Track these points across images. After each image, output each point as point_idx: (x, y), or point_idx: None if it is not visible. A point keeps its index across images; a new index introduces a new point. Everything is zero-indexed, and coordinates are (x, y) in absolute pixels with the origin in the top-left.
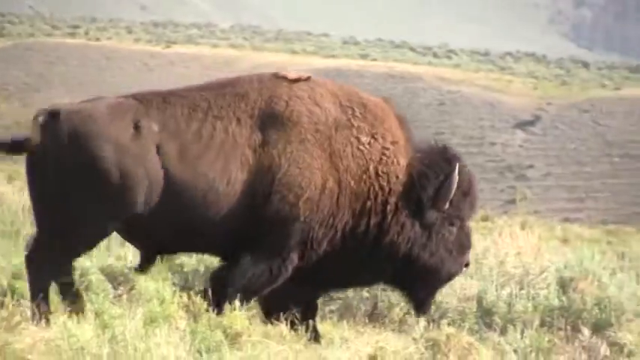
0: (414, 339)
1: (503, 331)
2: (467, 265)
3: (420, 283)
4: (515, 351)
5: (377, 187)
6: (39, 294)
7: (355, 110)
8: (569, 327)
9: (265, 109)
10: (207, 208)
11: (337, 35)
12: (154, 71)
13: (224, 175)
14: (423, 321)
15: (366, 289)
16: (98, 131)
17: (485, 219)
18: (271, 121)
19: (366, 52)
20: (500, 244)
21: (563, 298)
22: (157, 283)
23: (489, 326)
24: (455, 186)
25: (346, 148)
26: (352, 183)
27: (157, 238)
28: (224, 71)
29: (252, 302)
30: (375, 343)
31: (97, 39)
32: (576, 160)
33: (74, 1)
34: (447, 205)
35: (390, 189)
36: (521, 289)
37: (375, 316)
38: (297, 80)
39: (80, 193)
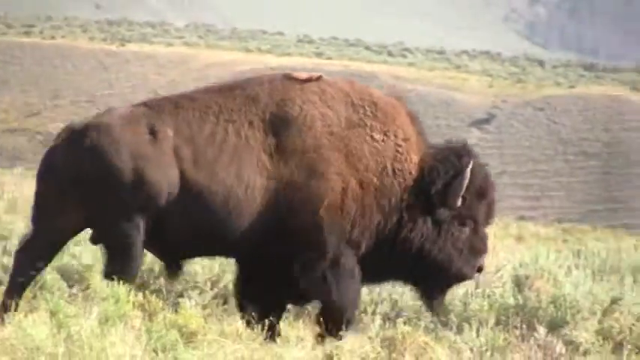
0: (370, 338)
1: (459, 330)
2: (480, 269)
3: (430, 281)
4: (470, 349)
5: (396, 184)
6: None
7: (367, 109)
8: (524, 325)
9: (277, 113)
10: (227, 213)
11: (292, 33)
12: (109, 70)
13: (241, 180)
14: (378, 320)
15: None
16: (117, 141)
17: None
18: (285, 126)
19: (321, 51)
20: None
21: (519, 297)
22: (112, 283)
23: (445, 325)
24: (465, 182)
25: (362, 147)
26: (375, 180)
27: (177, 244)
28: (179, 69)
29: (207, 301)
30: (330, 342)
31: (52, 37)
32: (531, 159)
33: (28, 0)
34: (458, 203)
35: (405, 185)
36: (477, 287)
37: None
38: (307, 81)
39: (103, 202)
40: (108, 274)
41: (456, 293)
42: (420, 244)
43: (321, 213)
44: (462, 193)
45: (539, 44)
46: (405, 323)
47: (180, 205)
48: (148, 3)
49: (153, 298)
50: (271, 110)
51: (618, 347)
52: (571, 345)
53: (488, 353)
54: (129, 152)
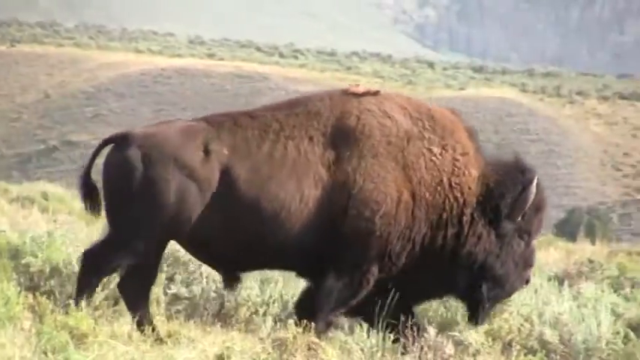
0: (261, 339)
1: (349, 331)
2: (528, 281)
3: (485, 295)
4: (361, 350)
5: (452, 199)
6: (84, 290)
7: (425, 122)
8: (415, 326)
9: (337, 125)
10: (281, 227)
11: (183, 34)
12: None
13: (296, 193)
14: (270, 320)
15: (213, 288)
16: (169, 154)
17: None
18: (344, 137)
19: (213, 52)
20: None
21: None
22: (2, 284)
23: (336, 326)
24: (532, 197)
25: (419, 159)
26: (427, 195)
27: (231, 258)
28: (70, 70)
29: (98, 302)
30: (222, 343)
31: None
32: None
33: None
34: (520, 218)
35: (465, 200)
36: None
37: (222, 316)
38: (365, 94)
39: (146, 212)
40: (86, 260)
41: None
42: (483, 258)
43: (377, 220)
44: (525, 207)
45: (429, 46)
46: (296, 324)
47: (232, 222)
48: (38, 3)
49: (43, 299)
50: (332, 124)
51: (507, 347)
52: (461, 345)
53: (379, 354)
54: (178, 167)
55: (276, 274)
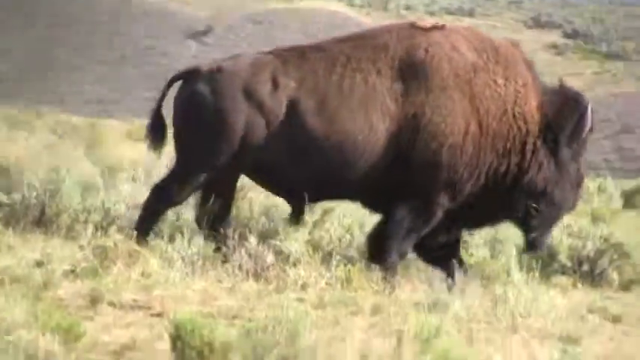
0: (82, 246)
1: (170, 239)
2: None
3: (544, 219)
4: (182, 259)
5: (515, 128)
6: (145, 220)
7: (489, 54)
8: (236, 235)
9: (405, 59)
10: (348, 158)
11: None
12: None
13: (364, 126)
14: (91, 228)
15: (34, 195)
16: (237, 87)
17: None
18: (412, 70)
19: None
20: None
21: (232, 207)
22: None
23: (157, 234)
24: (589, 124)
25: (485, 91)
26: (493, 124)
27: (300, 190)
28: None
29: None
30: (42, 250)
31: None
32: None
33: None
34: (577, 144)
35: (527, 129)
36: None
37: (42, 224)
38: (432, 29)
39: (216, 143)
40: (155, 192)
41: None
42: (543, 185)
43: (444, 151)
44: (585, 132)
45: None
46: (118, 232)
47: (300, 154)
48: None
49: None
50: (400, 57)
51: (327, 258)
52: (281, 255)
53: (200, 262)
54: (246, 100)
55: (99, 182)
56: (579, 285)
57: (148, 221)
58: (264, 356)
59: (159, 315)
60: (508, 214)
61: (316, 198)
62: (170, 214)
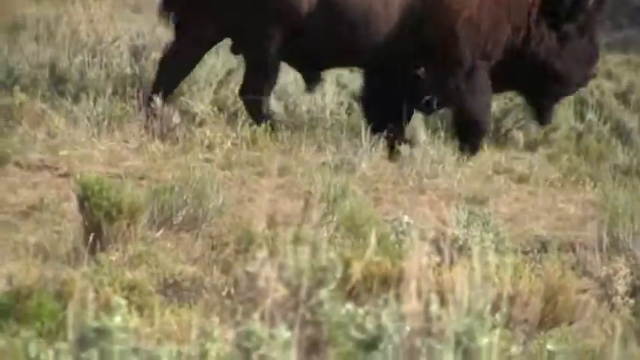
0: None
1: (75, 99)
2: (593, 76)
3: (548, 92)
4: (88, 118)
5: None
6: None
7: None
8: (141, 95)
9: None
10: (367, 27)
11: None
12: None
13: None
14: None
15: None
16: None
17: None
18: None
19: None
20: (73, 12)
21: (136, 67)
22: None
23: (62, 94)
24: None
25: None
26: None
27: (317, 57)
28: None
29: None
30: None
31: None
32: None
33: None
34: (582, 16)
35: (534, 1)
36: (94, 56)
37: None
38: None
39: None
40: (247, 91)
41: (73, 62)
42: (544, 57)
43: (458, 26)
44: (587, 7)
45: None
46: (21, 91)
47: (322, 21)
48: None
49: None
50: None
51: (233, 117)
52: (187, 115)
53: (105, 122)
54: None
55: None
56: (485, 146)
57: None
58: (172, 217)
59: (66, 175)
60: (516, 84)
61: (333, 65)
62: (74, 72)
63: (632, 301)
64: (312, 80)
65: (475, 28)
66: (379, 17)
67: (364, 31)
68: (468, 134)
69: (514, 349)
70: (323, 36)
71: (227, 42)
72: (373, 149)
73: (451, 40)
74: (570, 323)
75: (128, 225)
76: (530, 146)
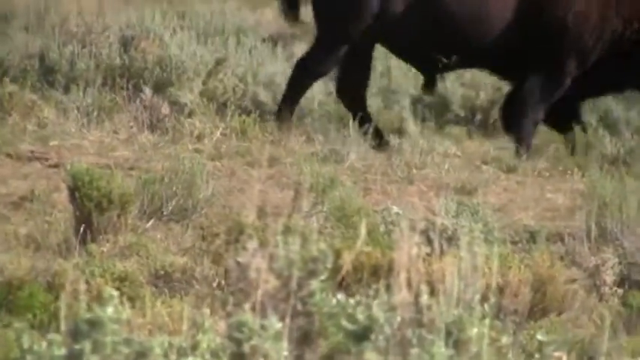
0: None
1: (65, 90)
2: None
3: None
4: (77, 109)
5: None
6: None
7: None
8: (130, 86)
9: None
10: (479, 26)
11: None
12: None
13: None
14: None
15: None
16: None
17: None
18: None
19: None
20: (63, 2)
21: (125, 57)
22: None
23: (52, 85)
24: None
25: None
26: None
27: (433, 59)
28: None
29: None
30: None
31: None
32: None
33: None
34: None
35: None
36: (84, 47)
37: None
38: None
39: (352, 13)
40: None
41: (63, 52)
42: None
43: (569, 17)
44: None
45: None
46: (11, 82)
47: (433, 23)
48: None
49: None
50: None
51: (222, 108)
52: (176, 105)
53: (95, 113)
54: None
55: None
56: (473, 135)
57: (294, 98)
58: (162, 207)
59: (56, 166)
60: (628, 82)
61: (449, 67)
62: (64, 63)
63: (620, 290)
64: (430, 82)
65: (584, 22)
66: (490, 17)
67: (476, 33)
68: (517, 117)
69: (504, 340)
70: (434, 35)
71: (214, 32)
72: (362, 140)
73: (560, 33)
74: (559, 313)
75: (119, 216)
76: None
